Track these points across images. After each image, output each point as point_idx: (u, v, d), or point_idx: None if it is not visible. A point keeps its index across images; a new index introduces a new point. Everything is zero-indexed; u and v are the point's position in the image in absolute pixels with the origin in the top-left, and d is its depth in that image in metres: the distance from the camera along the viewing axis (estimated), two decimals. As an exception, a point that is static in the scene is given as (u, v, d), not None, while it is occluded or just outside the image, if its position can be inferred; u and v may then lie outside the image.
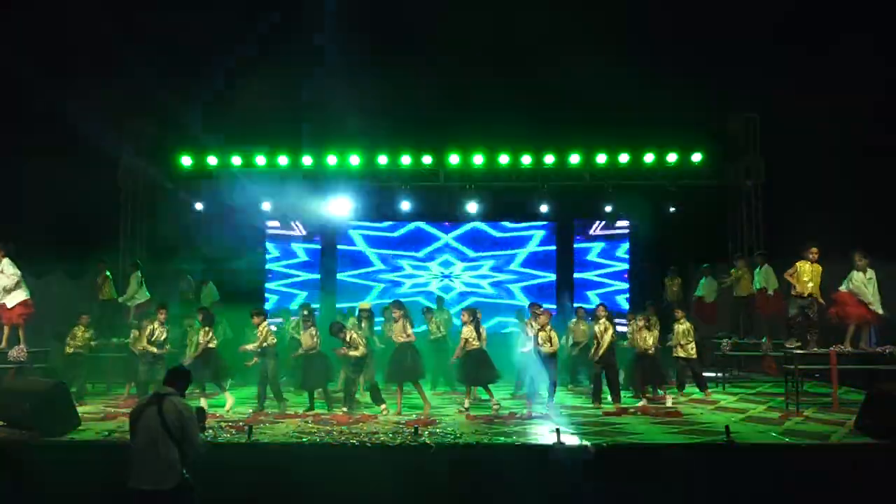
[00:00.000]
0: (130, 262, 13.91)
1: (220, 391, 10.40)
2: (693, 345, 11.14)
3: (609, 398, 10.45)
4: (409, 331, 10.12)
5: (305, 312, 11.13)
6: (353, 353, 9.70)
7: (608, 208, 15.67)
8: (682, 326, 11.16)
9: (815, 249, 9.78)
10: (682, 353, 11.14)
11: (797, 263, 9.91)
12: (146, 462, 5.24)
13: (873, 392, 8.31)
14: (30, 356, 10.08)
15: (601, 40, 12.62)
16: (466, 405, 9.99)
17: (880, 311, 9.45)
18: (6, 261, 10.10)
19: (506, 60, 13.82)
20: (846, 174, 12.01)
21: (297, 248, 16.96)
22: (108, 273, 13.27)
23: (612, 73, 12.45)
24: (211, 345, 10.29)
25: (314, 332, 10.35)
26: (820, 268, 9.81)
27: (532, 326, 10.79)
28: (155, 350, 10.56)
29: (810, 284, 9.74)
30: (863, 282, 9.53)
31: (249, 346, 10.41)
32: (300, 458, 7.52)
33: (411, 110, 14.36)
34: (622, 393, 10.72)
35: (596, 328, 10.67)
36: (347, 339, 9.71)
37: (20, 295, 10.19)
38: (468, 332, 10.03)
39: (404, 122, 14.65)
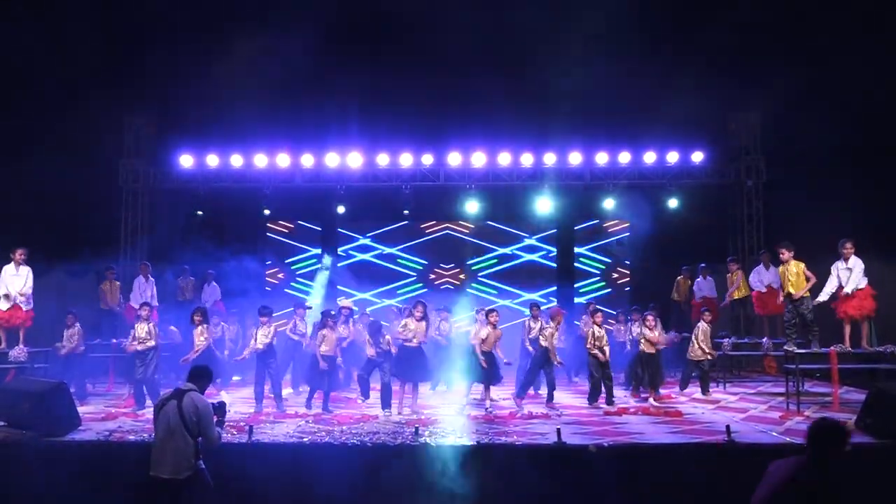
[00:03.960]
0: (141, 263, 13.84)
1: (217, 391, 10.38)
2: (710, 346, 11.21)
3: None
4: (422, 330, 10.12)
5: (333, 312, 11.12)
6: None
7: (608, 208, 15.67)
8: (706, 327, 11.25)
9: (782, 250, 9.73)
10: (699, 355, 11.19)
11: (778, 269, 9.92)
12: (165, 452, 5.61)
13: (873, 392, 8.31)
14: (30, 356, 10.08)
15: (601, 40, 12.59)
16: (465, 403, 9.98)
17: (848, 291, 9.38)
18: (25, 268, 10.22)
19: (506, 60, 13.79)
20: (846, 174, 11.99)
21: (298, 247, 16.95)
22: (117, 281, 13.16)
23: (613, 72, 12.44)
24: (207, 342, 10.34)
25: (326, 333, 10.34)
26: (799, 264, 9.69)
27: (530, 325, 10.85)
28: (138, 346, 10.13)
29: (789, 285, 9.67)
30: (840, 269, 9.48)
31: (251, 346, 10.33)
32: (300, 458, 7.51)
33: (411, 110, 14.35)
34: (620, 392, 10.71)
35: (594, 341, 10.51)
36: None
37: (28, 302, 10.29)
38: (487, 331, 10.02)
39: (404, 123, 14.65)
